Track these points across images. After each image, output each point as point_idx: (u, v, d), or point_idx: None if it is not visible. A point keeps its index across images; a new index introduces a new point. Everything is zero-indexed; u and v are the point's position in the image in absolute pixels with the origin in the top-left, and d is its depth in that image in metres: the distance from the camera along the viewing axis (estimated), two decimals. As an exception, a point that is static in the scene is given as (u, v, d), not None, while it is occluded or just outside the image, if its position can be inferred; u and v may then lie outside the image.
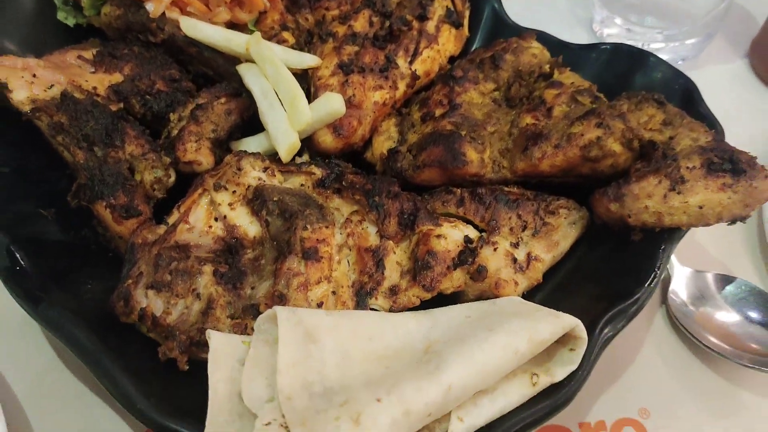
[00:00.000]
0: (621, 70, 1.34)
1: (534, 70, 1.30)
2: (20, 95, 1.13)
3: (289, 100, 1.20)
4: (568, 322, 0.93)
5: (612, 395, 1.11)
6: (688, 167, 1.05)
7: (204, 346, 0.95)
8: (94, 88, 1.20)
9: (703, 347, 1.13)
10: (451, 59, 1.41)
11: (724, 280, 1.22)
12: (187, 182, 1.16)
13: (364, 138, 1.28)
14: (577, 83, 1.27)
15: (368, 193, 1.10)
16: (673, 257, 1.23)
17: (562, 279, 1.11)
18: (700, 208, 1.04)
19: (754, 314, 1.17)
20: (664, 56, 1.55)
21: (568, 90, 1.24)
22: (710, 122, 1.20)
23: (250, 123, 1.28)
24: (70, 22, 1.36)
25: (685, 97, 1.26)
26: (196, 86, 1.33)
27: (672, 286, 1.21)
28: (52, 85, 1.17)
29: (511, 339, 0.89)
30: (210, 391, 0.86)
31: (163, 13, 1.32)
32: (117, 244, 1.08)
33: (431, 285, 1.02)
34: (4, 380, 1.07)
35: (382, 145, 1.27)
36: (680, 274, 1.23)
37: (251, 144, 1.27)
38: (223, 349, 0.89)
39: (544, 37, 1.40)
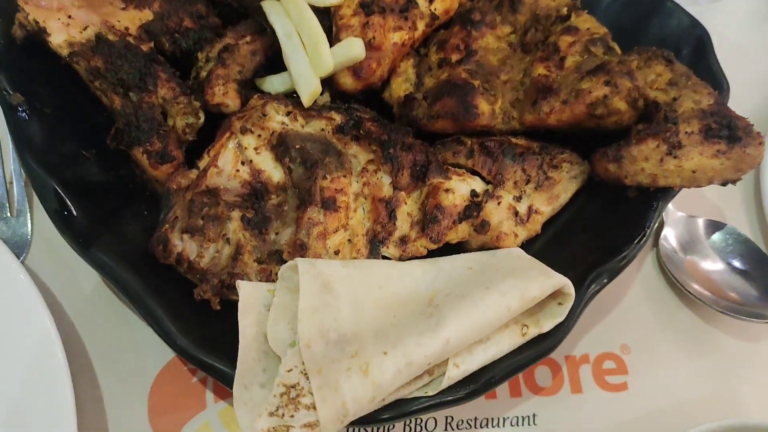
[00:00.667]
0: (638, 14, 1.37)
1: (551, 14, 1.33)
2: (58, 38, 1.19)
3: (311, 44, 1.25)
4: (558, 281, 1.04)
5: (598, 331, 1.24)
6: (686, 132, 1.11)
7: (234, 288, 1.07)
8: (126, 28, 1.26)
9: (686, 292, 1.24)
10: (471, -4, 1.43)
11: (714, 226, 1.31)
12: (215, 121, 1.24)
13: (382, 78, 1.33)
14: (593, 29, 1.30)
15: (384, 144, 1.18)
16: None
17: (559, 229, 1.20)
18: (694, 172, 1.11)
19: (737, 263, 1.27)
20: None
21: (583, 38, 1.28)
22: (718, 79, 1.25)
23: (274, 59, 1.34)
24: (99, -50, 1.38)
25: (697, 47, 1.30)
26: (222, 21, 1.37)
27: (664, 231, 1.31)
28: (86, 27, 1.22)
29: (505, 298, 1.00)
30: (240, 334, 0.99)
31: (190, -58, 1.34)
32: (153, 185, 1.19)
33: (438, 237, 1.12)
34: (58, 302, 1.21)
35: (400, 87, 1.33)
36: (673, 219, 1.32)
37: (275, 82, 1.33)
38: (250, 296, 1.02)
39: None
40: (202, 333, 1.03)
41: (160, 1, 1.31)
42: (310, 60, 1.25)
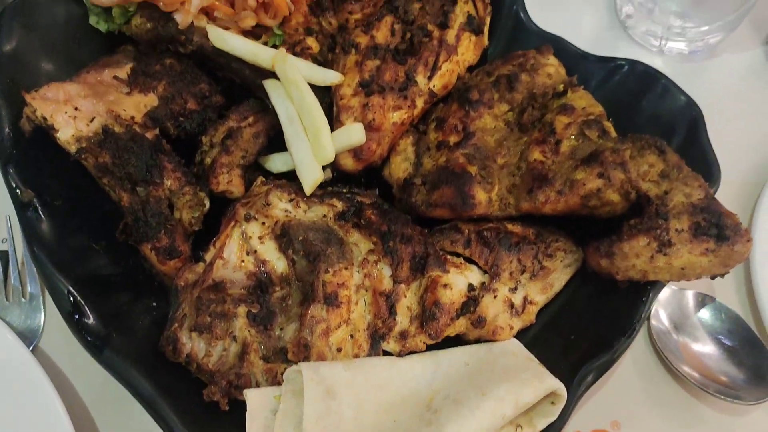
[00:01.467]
0: (633, 90, 1.38)
1: (548, 92, 1.35)
2: (66, 134, 1.22)
3: (313, 131, 1.28)
4: (551, 384, 1.09)
5: (589, 408, 1.29)
6: (677, 229, 1.15)
7: (242, 388, 1.13)
8: (132, 117, 1.28)
9: (676, 372, 1.29)
10: (470, 68, 1.45)
11: (703, 300, 1.35)
12: (220, 202, 1.28)
13: (382, 156, 1.37)
14: (588, 109, 1.32)
15: (384, 235, 1.22)
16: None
17: (553, 315, 1.25)
18: (683, 269, 1.15)
19: (726, 341, 1.31)
20: (681, 45, 1.58)
21: (578, 119, 1.30)
22: (709, 164, 1.28)
23: (276, 136, 1.37)
24: (102, 27, 1.40)
25: (691, 127, 1.32)
26: (225, 96, 1.40)
27: (654, 306, 1.35)
28: (93, 118, 1.25)
29: (500, 405, 1.06)
30: (247, 443, 1.05)
31: (192, 23, 1.36)
32: (162, 278, 1.23)
33: (436, 334, 1.17)
34: (71, 385, 1.27)
35: (399, 167, 1.37)
36: (663, 293, 1.36)
37: (278, 162, 1.37)
38: (257, 404, 1.08)
39: (562, 46, 1.43)
40: (212, 433, 1.09)
41: (164, 84, 1.34)
42: (311, 146, 1.29)
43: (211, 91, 1.38)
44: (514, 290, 1.22)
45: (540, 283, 1.23)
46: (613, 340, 1.16)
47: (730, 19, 1.53)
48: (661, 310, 1.35)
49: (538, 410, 1.12)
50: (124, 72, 1.33)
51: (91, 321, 1.15)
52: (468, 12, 1.42)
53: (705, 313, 1.34)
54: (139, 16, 1.36)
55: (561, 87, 1.36)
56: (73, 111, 1.25)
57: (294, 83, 1.30)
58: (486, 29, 1.45)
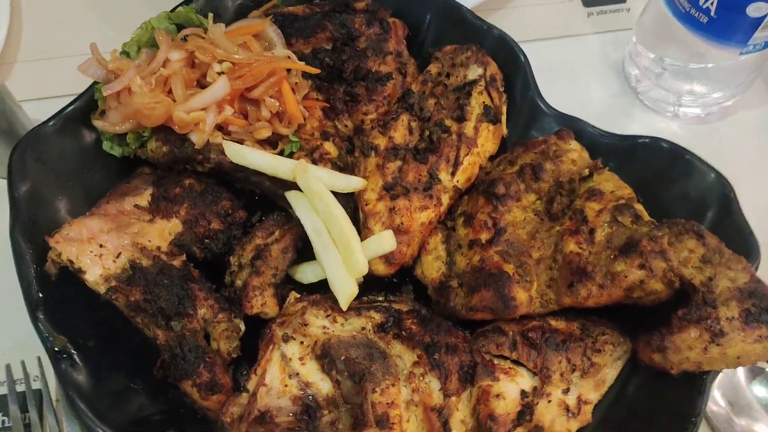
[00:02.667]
0: (659, 169, 1.37)
1: (574, 177, 1.34)
2: (94, 275, 1.20)
3: (343, 243, 1.26)
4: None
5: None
6: (727, 318, 1.13)
7: None
8: (158, 247, 1.26)
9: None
10: (490, 156, 1.43)
11: (753, 373, 1.33)
12: (254, 322, 1.25)
13: (413, 257, 1.35)
14: (617, 192, 1.31)
15: (428, 348, 1.19)
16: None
17: (606, 412, 1.22)
18: (738, 358, 1.13)
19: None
20: (696, 109, 1.58)
21: (609, 204, 1.29)
22: (746, 239, 1.26)
23: (304, 246, 1.35)
24: (116, 152, 1.38)
25: (723, 204, 1.30)
26: (248, 209, 1.38)
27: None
28: (119, 254, 1.22)
29: None
30: None
31: (208, 141, 1.34)
32: (204, 413, 1.20)
33: (494, 449, 1.14)
34: None
35: (432, 266, 1.34)
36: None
37: (308, 272, 1.34)
38: None
39: (580, 127, 1.42)
40: None
41: (186, 206, 1.32)
42: (343, 259, 1.26)
43: (234, 207, 1.36)
44: (566, 392, 1.19)
45: (592, 380, 1.21)
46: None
47: (741, 83, 1.53)
48: (714, 390, 1.32)
49: None
50: (144, 199, 1.31)
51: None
52: (484, 102, 1.41)
53: (758, 387, 1.32)
54: (154, 140, 1.34)
55: (586, 171, 1.34)
56: (98, 249, 1.22)
57: (318, 195, 1.28)
58: (503, 118, 1.43)
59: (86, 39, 1.38)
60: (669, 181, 1.36)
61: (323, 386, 1.19)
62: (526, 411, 1.16)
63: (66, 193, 1.34)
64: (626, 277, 1.19)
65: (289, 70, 1.40)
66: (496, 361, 1.20)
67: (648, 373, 1.22)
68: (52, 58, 1.67)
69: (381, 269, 1.31)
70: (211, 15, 1.44)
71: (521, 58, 1.46)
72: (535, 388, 1.18)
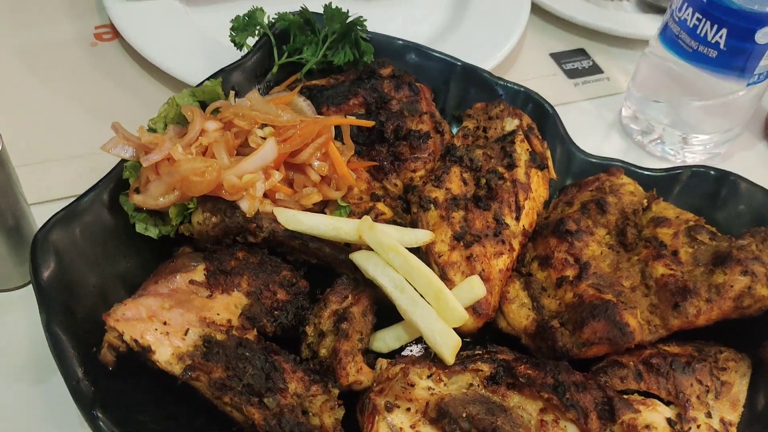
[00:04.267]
0: (705, 191, 1.39)
1: (637, 209, 1.32)
2: (165, 354, 1.00)
3: (433, 294, 1.14)
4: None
5: None
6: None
7: None
8: (229, 320, 1.09)
9: None
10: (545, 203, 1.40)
11: None
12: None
13: (495, 309, 1.24)
14: (681, 216, 1.30)
15: (555, 389, 1.06)
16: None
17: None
18: None
19: None
20: (699, 155, 1.64)
21: (681, 227, 1.27)
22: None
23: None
24: (152, 233, 1.22)
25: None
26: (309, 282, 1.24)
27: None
28: (187, 330, 1.04)
29: None
30: None
31: (258, 210, 1.22)
32: (317, 505, 0.99)
33: (662, 484, 1.01)
34: None
35: (518, 314, 1.24)
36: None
37: (388, 338, 1.20)
38: None
39: (622, 167, 1.42)
40: None
41: (247, 279, 1.17)
42: (437, 311, 1.14)
43: (296, 276, 1.22)
44: (709, 416, 1.10)
45: (727, 401, 1.12)
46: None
47: (741, 120, 1.62)
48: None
49: None
50: (198, 275, 1.15)
51: None
52: (528, 150, 1.39)
53: None
54: (201, 211, 1.20)
55: (645, 202, 1.33)
56: (162, 326, 1.04)
57: (392, 249, 1.18)
58: (550, 163, 1.42)
59: (75, 138, 1.29)
60: (720, 205, 1.37)
61: (447, 452, 1.03)
62: (678, 437, 1.04)
63: (99, 280, 1.15)
64: (732, 286, 1.15)
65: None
66: (633, 399, 1.10)
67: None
68: (45, 162, 1.50)
69: (469, 323, 1.19)
70: (232, 92, 1.37)
71: (549, 110, 1.48)
72: (679, 415, 1.08)
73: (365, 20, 1.50)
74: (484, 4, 1.89)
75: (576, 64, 1.86)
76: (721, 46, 1.44)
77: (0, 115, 1.57)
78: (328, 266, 1.26)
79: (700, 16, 1.44)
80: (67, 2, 1.89)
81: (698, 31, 1.46)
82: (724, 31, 1.42)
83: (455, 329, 1.18)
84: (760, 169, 1.70)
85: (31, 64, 1.70)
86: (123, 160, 1.24)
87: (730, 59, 1.45)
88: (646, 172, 1.43)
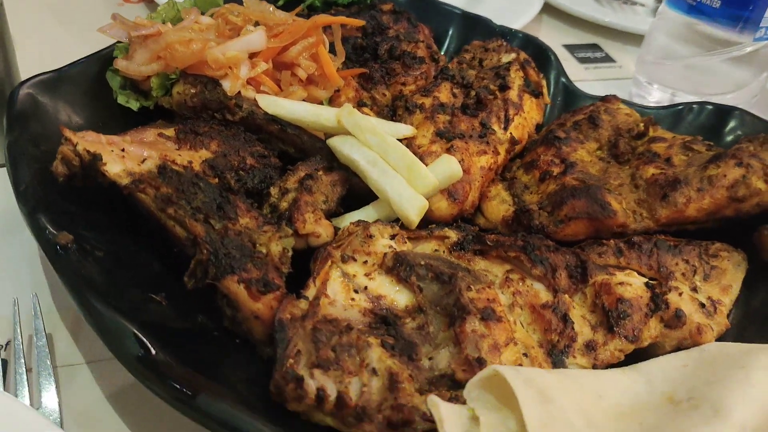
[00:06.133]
0: (709, 125, 1.33)
1: (632, 128, 1.27)
2: (114, 168, 0.98)
3: (405, 166, 1.10)
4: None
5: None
6: None
7: (404, 427, 0.78)
8: (189, 162, 1.06)
9: None
10: (536, 128, 1.36)
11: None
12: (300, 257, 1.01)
13: (474, 204, 1.18)
14: (679, 137, 1.24)
15: (525, 249, 0.98)
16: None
17: (739, 325, 1.01)
18: None
19: None
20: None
21: (677, 141, 1.21)
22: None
23: (347, 200, 1.17)
24: (134, 105, 1.23)
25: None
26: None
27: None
28: (144, 159, 1.02)
29: (772, 373, 0.77)
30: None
31: (239, 92, 1.22)
32: (250, 325, 0.90)
33: (634, 334, 0.90)
34: None
35: (497, 209, 1.18)
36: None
37: (356, 218, 1.15)
38: (451, 418, 0.73)
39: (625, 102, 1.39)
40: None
41: (217, 142, 1.14)
42: (407, 180, 1.09)
43: (269, 153, 1.19)
44: (695, 290, 0.99)
45: (716, 284, 1.01)
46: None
47: (753, 86, 1.58)
48: None
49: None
50: (170, 131, 1.13)
51: (171, 364, 0.79)
52: (522, 77, 1.37)
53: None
54: (182, 82, 1.21)
55: (641, 126, 1.28)
56: (120, 152, 1.02)
57: (369, 130, 1.15)
58: (545, 91, 1.39)
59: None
60: (722, 135, 1.31)
61: (400, 297, 0.95)
62: (659, 297, 0.94)
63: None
64: (725, 175, 1.08)
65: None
66: (610, 267, 1.00)
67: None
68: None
69: (444, 206, 1.13)
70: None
71: (549, 54, 1.48)
72: (660, 284, 0.98)
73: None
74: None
75: (589, 54, 1.87)
76: (723, -6, 1.43)
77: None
78: (304, 155, 1.23)
79: (701, -33, 1.45)
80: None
81: (700, -18, 1.46)
82: (724, -22, 1.42)
83: (430, 215, 1.13)
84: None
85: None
86: (118, 42, 1.27)
87: (733, 7, 1.44)
88: (647, 109, 1.38)
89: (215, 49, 1.20)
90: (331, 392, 0.79)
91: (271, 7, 1.31)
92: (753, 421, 0.71)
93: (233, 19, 1.29)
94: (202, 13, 1.35)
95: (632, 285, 0.94)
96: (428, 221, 1.13)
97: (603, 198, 1.07)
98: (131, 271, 0.95)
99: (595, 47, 1.91)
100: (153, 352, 0.80)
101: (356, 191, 1.17)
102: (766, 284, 1.06)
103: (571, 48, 1.89)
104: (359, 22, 1.37)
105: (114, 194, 1.00)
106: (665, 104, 1.50)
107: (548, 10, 2.01)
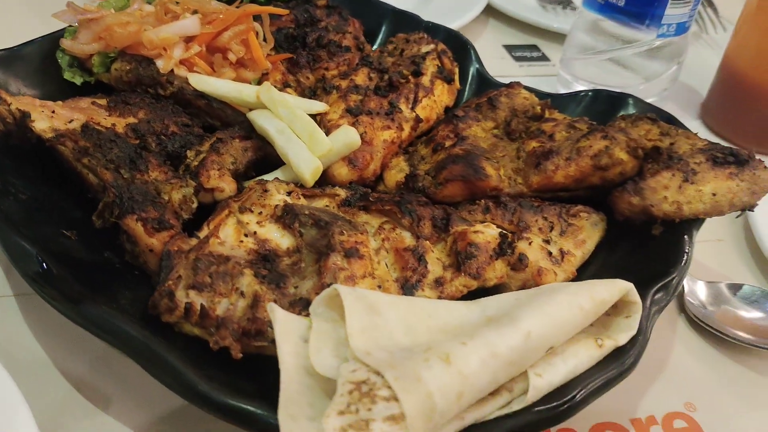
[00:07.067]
0: (602, 111, 1.45)
1: (528, 110, 1.39)
2: (42, 125, 1.12)
3: (307, 134, 1.24)
4: (622, 285, 0.94)
5: (655, 393, 1.10)
6: (696, 162, 1.13)
7: (258, 336, 0.91)
8: (113, 125, 1.21)
9: (729, 339, 1.16)
10: (446, 110, 1.49)
11: (736, 287, 1.27)
12: (207, 213, 1.15)
13: (375, 173, 1.31)
14: (569, 118, 1.37)
15: (399, 203, 1.12)
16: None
17: (592, 276, 1.13)
18: (714, 195, 1.11)
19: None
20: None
21: (565, 121, 1.34)
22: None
23: (262, 165, 1.30)
24: (78, 81, 1.38)
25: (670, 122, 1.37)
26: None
27: (687, 296, 1.25)
28: (71, 120, 1.17)
29: (574, 297, 0.89)
30: (280, 362, 0.80)
31: (172, 70, 1.36)
32: (146, 258, 1.04)
33: (477, 272, 1.02)
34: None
35: (395, 177, 1.31)
36: (693, 285, 1.27)
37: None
38: (287, 324, 0.85)
39: (527, 89, 1.51)
40: (228, 380, 0.84)
41: (145, 111, 1.29)
42: (307, 145, 1.23)
43: (192, 123, 1.33)
44: (547, 242, 1.11)
45: (572, 239, 1.13)
46: (670, 269, 1.05)
47: (657, 86, 1.70)
48: (696, 298, 1.25)
49: (613, 327, 0.95)
50: (103, 101, 1.28)
51: (65, 279, 0.93)
52: (437, 64, 1.51)
53: (741, 294, 1.26)
54: (120, 61, 1.36)
55: (538, 109, 1.41)
56: (50, 113, 1.17)
57: (282, 104, 1.29)
58: (456, 78, 1.53)
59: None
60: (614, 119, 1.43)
61: (283, 241, 1.08)
62: (506, 244, 1.06)
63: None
64: (591, 146, 1.20)
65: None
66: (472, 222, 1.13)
67: (627, 244, 1.17)
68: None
69: (344, 172, 1.27)
70: None
71: (467, 43, 1.61)
72: (513, 233, 1.10)
73: (313, -34, 1.70)
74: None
75: (526, 53, 2.00)
76: (626, -7, 1.57)
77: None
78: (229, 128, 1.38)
79: (607, -32, 1.58)
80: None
81: (607, -18, 1.59)
82: (626, -22, 1.55)
83: (331, 179, 1.26)
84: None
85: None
86: (69, 26, 1.43)
87: (636, 5, 1.57)
88: (550, 95, 1.51)
89: (150, 32, 1.35)
90: (197, 305, 0.93)
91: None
92: (540, 329, 0.83)
93: (173, 7, 1.44)
94: (149, 3, 1.51)
95: (485, 233, 1.07)
96: (331, 185, 1.26)
97: (478, 163, 1.20)
98: (49, 214, 1.09)
99: (533, 47, 2.05)
100: (53, 271, 0.94)
101: (272, 160, 1.31)
102: (624, 243, 1.18)
103: (509, 48, 2.03)
104: (284, 12, 1.52)
105: (44, 151, 1.15)
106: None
107: (495, 14, 2.15)
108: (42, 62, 1.39)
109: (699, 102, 1.85)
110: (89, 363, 1.04)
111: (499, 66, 1.94)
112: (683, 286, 1.26)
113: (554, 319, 0.85)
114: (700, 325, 1.21)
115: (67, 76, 1.38)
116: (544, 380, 0.84)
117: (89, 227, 1.07)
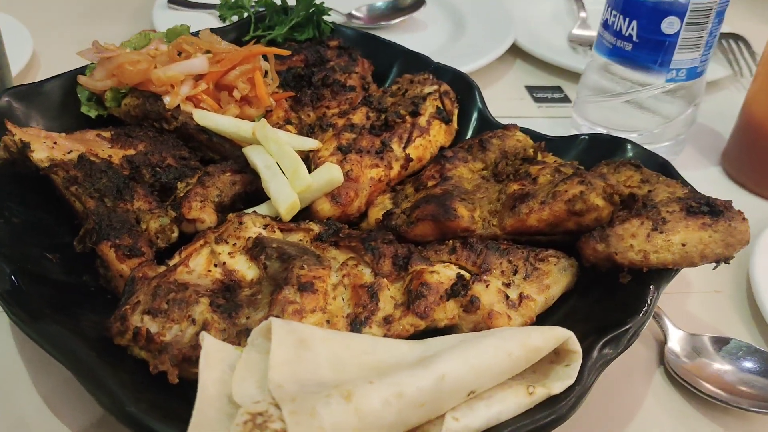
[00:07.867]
0: (600, 155, 1.43)
1: (519, 152, 1.40)
2: (40, 155, 1.22)
3: (291, 169, 1.29)
4: (561, 333, 0.93)
5: (617, 446, 1.08)
6: (668, 211, 1.11)
7: (196, 362, 0.94)
8: (110, 156, 1.29)
9: (700, 394, 1.12)
10: (442, 149, 1.51)
11: (722, 340, 1.22)
12: (188, 241, 1.20)
13: (360, 210, 1.34)
14: (559, 162, 1.36)
15: (364, 240, 1.14)
16: (667, 321, 1.24)
17: (555, 323, 1.11)
18: (683, 245, 1.08)
19: (749, 365, 1.16)
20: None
21: (552, 165, 1.33)
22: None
23: (252, 198, 1.35)
24: (92, 114, 1.48)
25: (662, 172, 1.34)
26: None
27: (668, 346, 1.22)
28: (71, 151, 1.26)
29: (504, 342, 0.89)
30: (199, 387, 0.84)
31: (178, 105, 1.44)
32: (117, 283, 1.11)
33: (425, 312, 1.03)
34: None
35: (377, 214, 1.33)
36: (675, 336, 1.23)
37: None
38: (215, 352, 0.89)
39: (525, 131, 1.51)
40: (158, 403, 0.88)
41: (145, 144, 1.37)
42: (289, 180, 1.28)
43: (190, 156, 1.40)
44: (507, 285, 1.11)
45: (535, 283, 1.13)
46: (626, 319, 1.03)
47: (671, 132, 1.67)
48: (676, 349, 1.21)
49: (551, 376, 0.94)
50: (107, 133, 1.37)
51: (29, 298, 1.00)
52: (437, 105, 1.53)
53: (725, 350, 1.21)
54: (130, 96, 1.45)
55: (531, 151, 1.41)
56: (51, 143, 1.26)
57: (273, 140, 1.34)
58: (455, 118, 1.55)
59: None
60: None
61: (249, 273, 1.13)
62: (460, 286, 1.07)
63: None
64: (567, 191, 1.19)
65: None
66: (433, 260, 1.14)
67: (597, 291, 1.15)
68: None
69: (326, 208, 1.30)
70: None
71: (473, 84, 1.63)
72: (472, 275, 1.11)
73: (330, 10, 1.77)
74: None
75: (548, 95, 2.00)
76: (634, 38, 1.55)
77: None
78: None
79: (616, 12, 1.57)
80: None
81: (615, 27, 1.58)
82: (635, 24, 1.54)
83: (314, 214, 1.31)
84: (706, 184, 1.69)
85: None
86: (91, 63, 1.54)
87: (644, 51, 1.55)
88: (547, 137, 1.50)
89: (159, 70, 1.44)
90: (144, 330, 0.97)
91: (219, 39, 1.55)
92: (456, 372, 0.83)
93: (186, 47, 1.53)
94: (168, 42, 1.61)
95: (440, 273, 1.08)
96: (313, 220, 1.30)
97: (450, 204, 1.21)
98: (38, 237, 1.18)
99: (556, 89, 2.04)
100: (24, 289, 1.01)
101: (262, 194, 1.36)
102: (594, 290, 1.16)
103: (531, 89, 2.03)
104: (286, 52, 1.59)
105: (43, 179, 1.24)
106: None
107: (522, 54, 2.16)
108: (65, 96, 1.50)
109: (721, 147, 1.79)
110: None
111: (517, 107, 1.94)
112: (665, 335, 1.23)
113: (474, 364, 0.85)
114: (675, 379, 1.17)
115: (83, 109, 1.48)
116: (460, 424, 0.84)
117: (73, 252, 1.14)
